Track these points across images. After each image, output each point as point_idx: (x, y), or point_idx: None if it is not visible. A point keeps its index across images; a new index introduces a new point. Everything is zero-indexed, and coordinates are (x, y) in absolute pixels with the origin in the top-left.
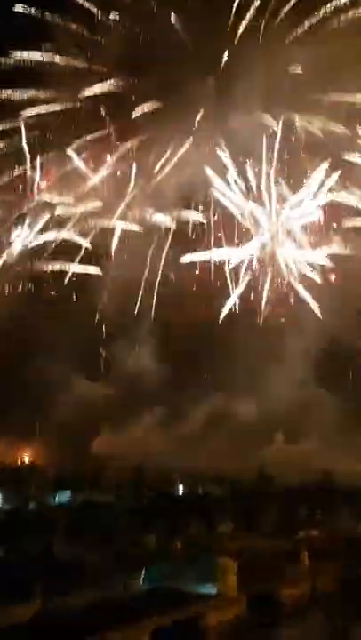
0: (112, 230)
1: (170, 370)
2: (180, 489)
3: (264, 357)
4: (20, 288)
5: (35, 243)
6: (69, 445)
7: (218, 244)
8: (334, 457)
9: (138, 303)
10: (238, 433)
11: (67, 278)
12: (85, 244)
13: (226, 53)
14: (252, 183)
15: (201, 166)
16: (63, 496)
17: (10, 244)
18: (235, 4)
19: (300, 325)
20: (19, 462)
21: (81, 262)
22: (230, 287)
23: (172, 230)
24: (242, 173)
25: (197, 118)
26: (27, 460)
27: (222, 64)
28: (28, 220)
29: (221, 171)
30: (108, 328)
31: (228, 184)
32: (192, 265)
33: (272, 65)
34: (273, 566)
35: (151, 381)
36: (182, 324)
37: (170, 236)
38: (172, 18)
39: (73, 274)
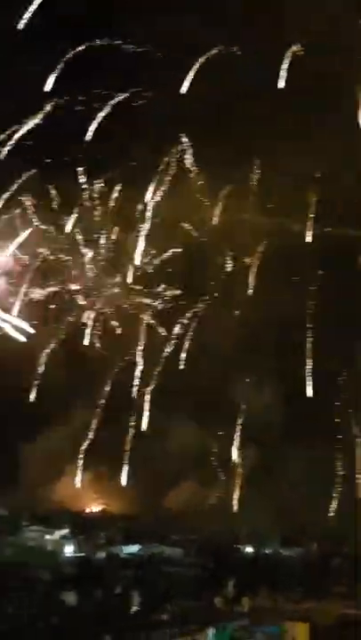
0: None
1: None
2: (250, 548)
3: None
4: None
5: None
6: (148, 494)
7: None
8: None
9: None
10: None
11: None
12: None
13: None
14: None
15: None
16: (133, 547)
17: None
18: None
19: None
20: (91, 509)
21: None
22: None
23: None
24: None
25: None
26: (98, 508)
27: None
28: None
29: None
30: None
31: None
32: None
33: None
34: (346, 633)
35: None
36: None
37: None
38: None
39: None
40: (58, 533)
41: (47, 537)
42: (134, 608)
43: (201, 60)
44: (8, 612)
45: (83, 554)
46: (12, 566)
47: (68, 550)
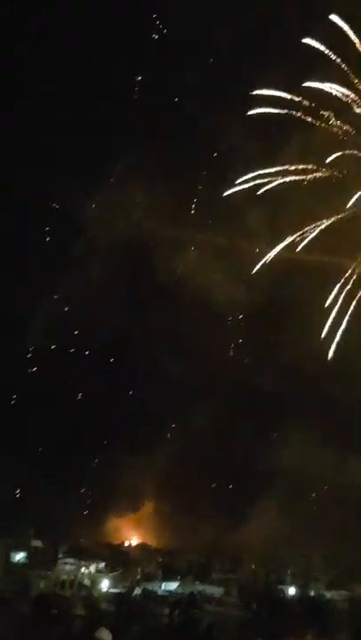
0: None
1: None
2: (292, 590)
3: None
4: None
5: None
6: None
7: None
8: None
9: None
10: None
11: None
12: None
13: None
14: None
15: None
16: (172, 584)
17: None
18: None
19: None
20: (130, 544)
21: None
22: None
23: None
24: None
25: None
26: (134, 542)
27: None
28: None
29: None
30: None
31: None
32: None
33: None
34: None
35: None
36: None
37: None
38: None
39: None
40: (94, 567)
41: (83, 570)
42: None
43: None
44: None
45: (119, 590)
46: (49, 598)
47: (105, 585)
